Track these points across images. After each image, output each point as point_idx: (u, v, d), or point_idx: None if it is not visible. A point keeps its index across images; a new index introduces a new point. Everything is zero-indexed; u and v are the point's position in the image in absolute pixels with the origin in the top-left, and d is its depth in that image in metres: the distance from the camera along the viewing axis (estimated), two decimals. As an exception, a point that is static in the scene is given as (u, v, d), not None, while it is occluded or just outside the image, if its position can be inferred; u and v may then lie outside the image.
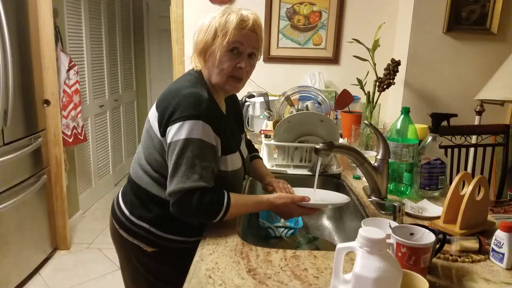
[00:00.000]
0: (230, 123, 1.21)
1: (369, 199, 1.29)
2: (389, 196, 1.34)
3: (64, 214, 2.81)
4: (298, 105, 2.01)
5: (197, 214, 1.02)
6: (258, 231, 1.32)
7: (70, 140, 2.93)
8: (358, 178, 1.53)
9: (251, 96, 2.19)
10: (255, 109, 2.18)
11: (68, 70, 2.89)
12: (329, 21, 2.65)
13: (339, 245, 0.58)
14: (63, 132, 2.82)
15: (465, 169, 2.12)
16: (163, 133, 1.05)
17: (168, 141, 1.02)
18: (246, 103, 2.18)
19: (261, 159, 1.43)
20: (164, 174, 1.06)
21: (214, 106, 1.09)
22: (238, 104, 1.35)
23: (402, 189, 1.39)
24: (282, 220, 1.36)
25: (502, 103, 2.20)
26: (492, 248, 0.96)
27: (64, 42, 2.99)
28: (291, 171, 1.58)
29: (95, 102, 3.60)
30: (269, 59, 2.73)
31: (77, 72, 2.98)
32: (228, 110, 1.23)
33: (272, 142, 1.60)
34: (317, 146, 1.17)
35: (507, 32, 2.33)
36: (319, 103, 2.11)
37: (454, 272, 0.90)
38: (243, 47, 1.08)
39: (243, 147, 1.27)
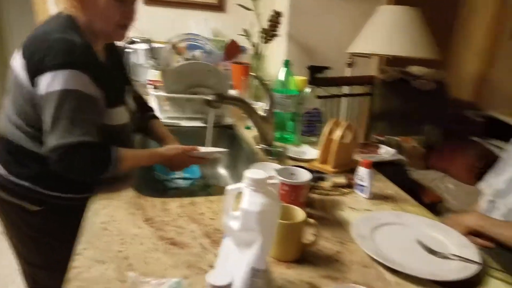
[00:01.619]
0: (111, 73, 1.14)
1: (259, 147, 1.39)
2: (278, 144, 1.46)
3: None
4: (186, 54, 1.97)
5: (83, 171, 0.98)
6: (155, 185, 1.33)
7: None
8: (250, 128, 1.62)
9: (132, 42, 2.05)
10: (138, 57, 2.05)
11: None
12: (212, -38, 2.55)
13: (228, 187, 0.64)
14: None
15: (339, 115, 2.39)
16: (33, 83, 0.95)
17: (42, 92, 0.94)
18: (128, 50, 2.03)
19: (158, 118, 1.39)
20: (39, 127, 0.98)
21: (90, 54, 1.02)
22: (118, 51, 1.27)
23: (286, 136, 1.53)
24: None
25: (369, 56, 2.48)
26: (357, 182, 1.15)
27: None
28: (184, 123, 1.58)
29: None
30: (151, 1, 2.53)
31: None
32: (108, 58, 1.15)
33: (162, 93, 1.57)
34: (208, 98, 1.20)
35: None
36: (208, 53, 2.10)
37: (328, 204, 1.06)
38: None
39: (130, 100, 1.22)
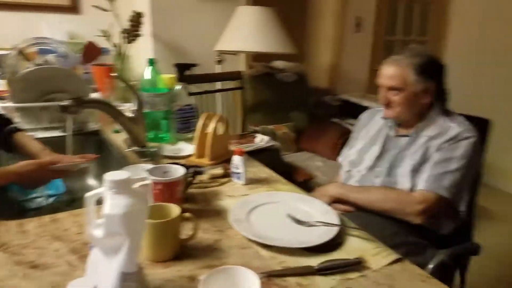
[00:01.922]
0: None
1: (130, 150, 1.33)
2: (151, 144, 1.41)
3: None
4: (38, 60, 1.77)
5: None
6: (11, 207, 1.16)
7: None
8: (118, 131, 1.53)
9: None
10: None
11: None
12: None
13: (88, 194, 0.60)
14: None
15: (214, 111, 2.43)
16: None
17: None
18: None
19: (22, 131, 1.20)
20: None
21: None
22: None
23: (161, 135, 1.49)
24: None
25: (236, 53, 2.58)
26: (233, 170, 1.19)
27: None
28: (41, 134, 1.42)
29: None
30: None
31: None
32: None
33: (10, 104, 1.38)
34: (63, 104, 1.09)
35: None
36: (64, 56, 1.92)
37: (207, 196, 1.07)
38: None
39: None
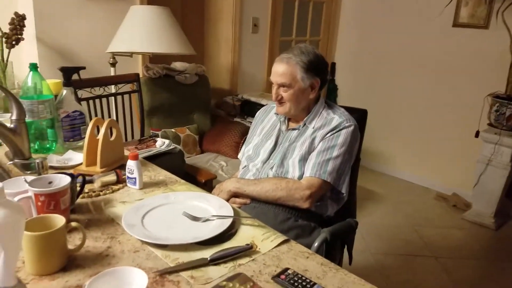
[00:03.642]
0: None
1: (12, 163, 1.22)
2: (36, 155, 1.31)
3: None
4: None
5: None
6: None
7: None
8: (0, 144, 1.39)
9: None
10: None
11: None
12: None
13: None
14: None
15: (110, 116, 2.31)
16: None
17: None
18: None
19: None
20: None
21: None
22: None
23: (47, 146, 1.39)
24: None
25: (131, 54, 2.49)
26: (127, 176, 1.16)
27: None
28: None
29: None
30: None
31: None
32: None
33: None
34: None
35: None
36: None
37: (99, 204, 1.04)
38: None
39: None
